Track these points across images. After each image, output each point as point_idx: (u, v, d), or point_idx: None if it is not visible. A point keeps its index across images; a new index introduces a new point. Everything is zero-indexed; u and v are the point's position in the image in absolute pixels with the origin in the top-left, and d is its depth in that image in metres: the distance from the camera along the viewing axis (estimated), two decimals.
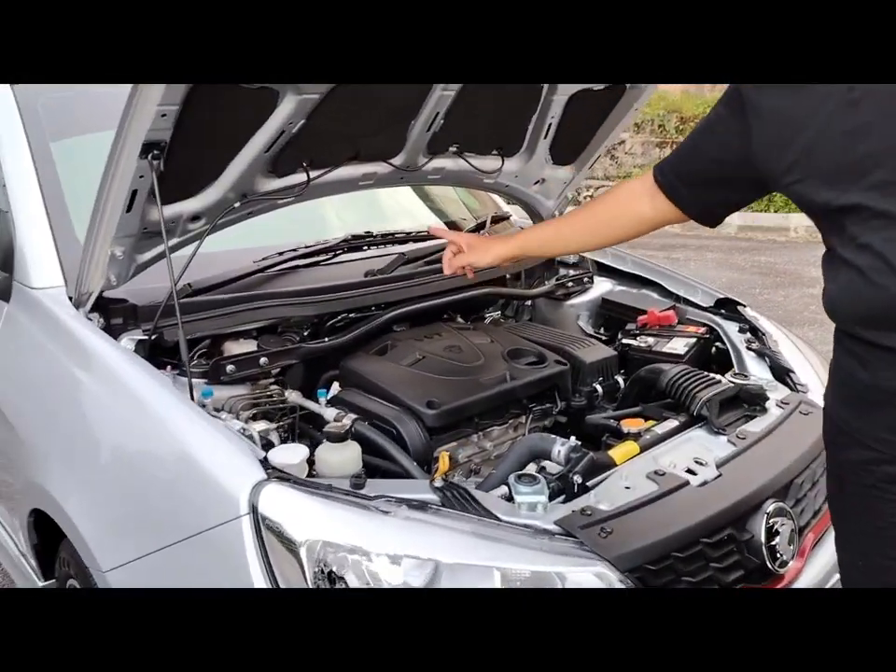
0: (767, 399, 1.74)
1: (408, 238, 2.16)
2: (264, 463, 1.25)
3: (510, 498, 1.32)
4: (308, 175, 1.72)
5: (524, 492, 1.30)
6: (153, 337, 1.60)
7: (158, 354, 1.65)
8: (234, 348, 1.77)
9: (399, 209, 2.61)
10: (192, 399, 1.42)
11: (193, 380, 1.59)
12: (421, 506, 1.21)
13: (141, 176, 1.43)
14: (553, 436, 1.53)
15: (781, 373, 1.90)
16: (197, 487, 1.26)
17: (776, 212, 8.46)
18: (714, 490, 1.43)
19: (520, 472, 1.36)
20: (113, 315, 1.65)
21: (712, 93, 9.31)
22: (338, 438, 1.37)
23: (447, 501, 1.24)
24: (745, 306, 2.24)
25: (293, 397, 1.65)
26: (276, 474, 1.21)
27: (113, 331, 1.63)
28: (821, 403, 1.25)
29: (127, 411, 1.43)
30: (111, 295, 1.66)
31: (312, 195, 1.82)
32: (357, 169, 1.85)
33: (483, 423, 1.71)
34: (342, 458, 1.36)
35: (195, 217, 1.66)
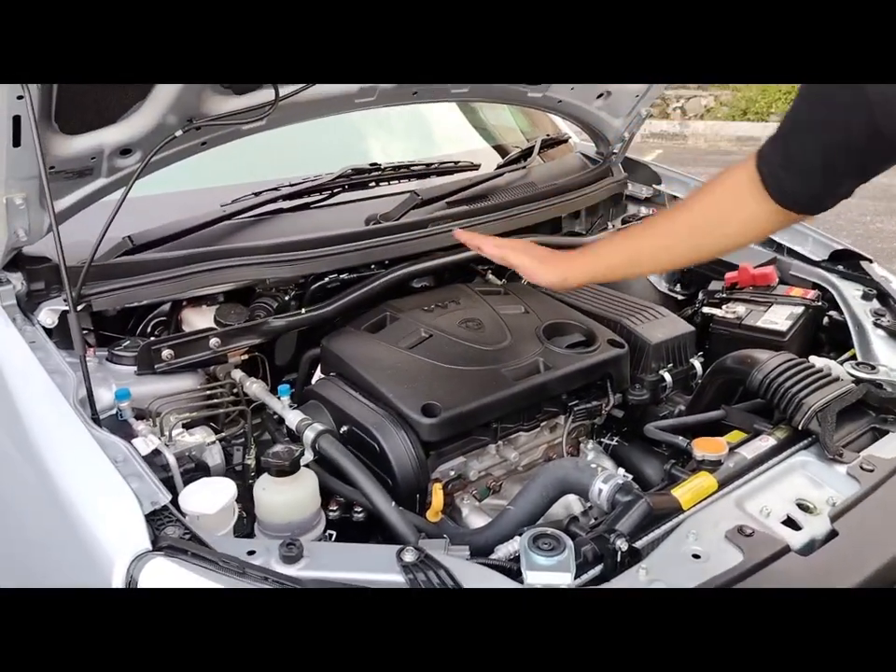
0: None
1: (428, 171, 1.70)
2: (161, 514, 0.87)
3: (517, 570, 0.90)
4: (277, 91, 1.28)
5: (539, 566, 0.88)
6: (80, 308, 1.23)
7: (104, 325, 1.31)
8: (195, 319, 1.39)
9: (431, 134, 2.13)
10: (93, 406, 1.05)
11: (121, 368, 1.23)
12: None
13: (19, 97, 1.03)
14: (595, 465, 1.09)
15: None
16: (71, 540, 0.90)
17: None
18: (826, 561, 0.97)
19: (539, 530, 0.93)
20: (32, 277, 1.29)
21: None
22: (280, 472, 0.97)
23: (417, 587, 0.83)
24: (871, 261, 1.69)
25: (254, 389, 1.27)
26: (171, 541, 0.84)
27: (32, 299, 1.27)
28: None
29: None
30: (31, 252, 1.30)
31: (287, 118, 1.38)
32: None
33: (506, 427, 1.28)
34: (285, 500, 0.97)
35: (125, 151, 1.25)
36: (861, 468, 1.12)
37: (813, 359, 1.34)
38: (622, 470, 1.10)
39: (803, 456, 1.16)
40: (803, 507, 1.06)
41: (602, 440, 1.44)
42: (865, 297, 1.58)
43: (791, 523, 1.03)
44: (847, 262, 1.70)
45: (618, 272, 1.24)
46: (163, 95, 1.20)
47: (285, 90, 1.29)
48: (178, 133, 1.25)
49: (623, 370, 1.38)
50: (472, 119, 2.20)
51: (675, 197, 1.99)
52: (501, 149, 2.06)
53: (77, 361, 1.10)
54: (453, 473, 1.24)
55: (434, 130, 2.09)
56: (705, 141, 7.92)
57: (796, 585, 0.93)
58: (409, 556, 0.86)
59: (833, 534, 1.01)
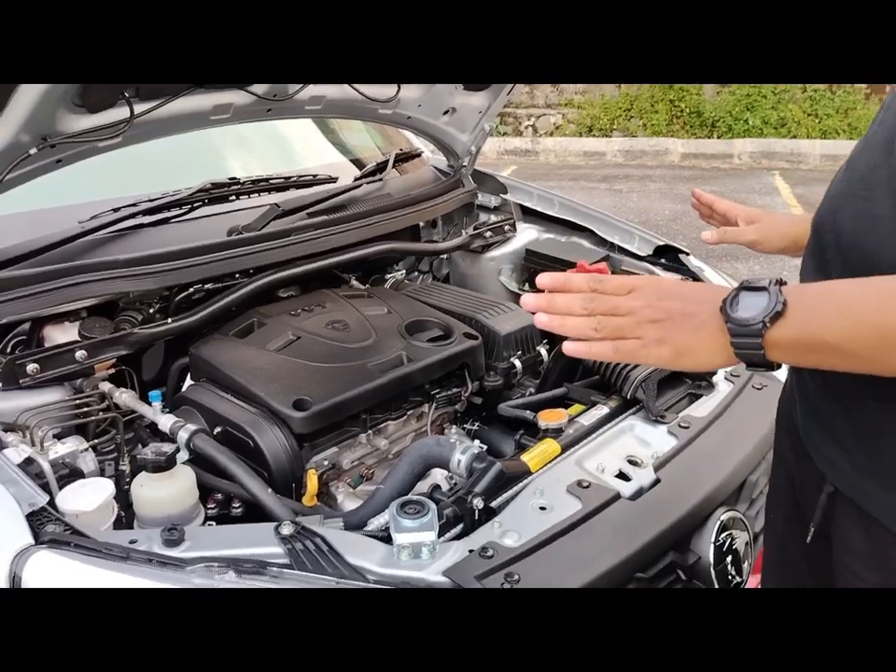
0: (714, 372, 1.46)
1: (287, 184, 1.77)
2: (40, 514, 0.90)
3: (388, 536, 1.00)
4: (132, 110, 1.32)
5: (406, 528, 0.99)
6: None
7: None
8: (58, 335, 1.39)
9: (288, 149, 2.20)
10: None
11: None
12: (257, 569, 0.89)
13: None
14: (455, 439, 1.22)
15: None
16: None
17: (719, 138, 8.20)
18: (651, 503, 1.14)
19: (404, 499, 1.04)
20: None
21: None
22: (157, 468, 1.02)
23: (296, 557, 0.91)
24: (688, 254, 1.94)
25: (124, 399, 1.29)
26: (53, 535, 0.87)
27: None
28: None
29: None
30: None
31: (144, 135, 1.42)
32: (206, 99, 1.45)
33: (375, 418, 1.38)
34: (162, 495, 1.02)
35: None
36: (679, 426, 1.31)
37: None
38: (477, 442, 1.22)
39: (631, 420, 1.33)
40: (632, 462, 1.23)
41: (465, 425, 1.57)
42: None
43: (622, 476, 1.19)
44: (668, 256, 1.94)
45: None
46: (16, 113, 1.21)
47: (140, 107, 1.34)
48: (32, 150, 1.26)
49: (479, 359, 1.52)
50: (329, 136, 2.30)
51: (521, 205, 2.17)
52: (357, 163, 2.16)
53: None
54: (326, 463, 1.32)
55: (292, 145, 2.16)
56: (555, 156, 8.40)
57: (626, 524, 1.09)
58: (286, 529, 0.94)
59: (657, 481, 1.18)
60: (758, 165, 7.57)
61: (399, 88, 1.73)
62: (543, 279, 0.77)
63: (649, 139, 8.35)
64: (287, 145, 2.15)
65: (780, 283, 0.68)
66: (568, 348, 0.75)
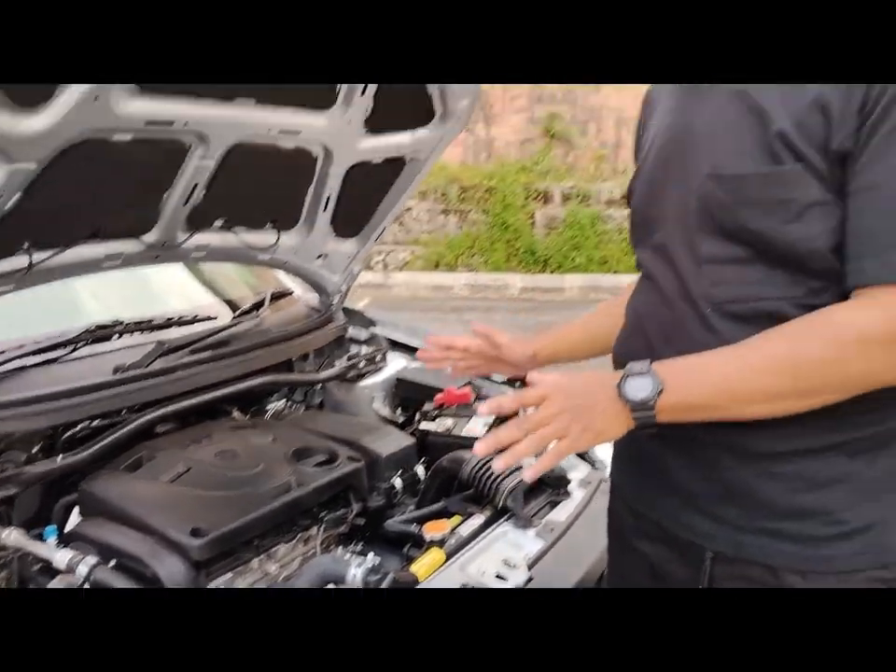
0: (569, 481, 1.67)
1: (169, 324, 1.87)
2: None
3: None
4: (31, 259, 1.40)
5: None
6: None
7: None
8: None
9: (167, 287, 2.30)
10: None
11: None
12: None
13: None
14: (350, 555, 1.32)
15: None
16: None
17: (552, 273, 9.05)
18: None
19: None
20: None
21: (486, 165, 9.87)
22: None
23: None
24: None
25: (13, 538, 1.28)
26: None
27: None
28: None
29: None
30: None
31: (39, 281, 1.49)
32: (99, 248, 1.55)
33: (265, 543, 1.45)
34: None
35: None
36: (546, 529, 1.49)
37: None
38: (371, 554, 1.33)
39: (504, 527, 1.50)
40: (508, 564, 1.38)
41: (349, 546, 1.65)
42: None
43: (500, 577, 1.34)
44: (523, 378, 2.19)
45: (578, 349, 1.39)
46: None
47: (37, 255, 1.42)
48: None
49: (363, 480, 1.64)
50: (205, 277, 2.41)
51: (389, 340, 2.38)
52: (232, 304, 2.29)
53: None
54: None
55: (169, 288, 2.26)
56: (406, 289, 8.86)
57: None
58: None
59: (530, 579, 1.34)
60: (586, 297, 8.41)
61: (280, 235, 1.91)
62: (483, 408, 0.97)
63: (490, 274, 9.06)
64: (164, 287, 2.24)
65: (650, 363, 0.92)
66: (528, 475, 0.95)
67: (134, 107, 1.29)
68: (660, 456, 1.05)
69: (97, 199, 1.47)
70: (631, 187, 1.18)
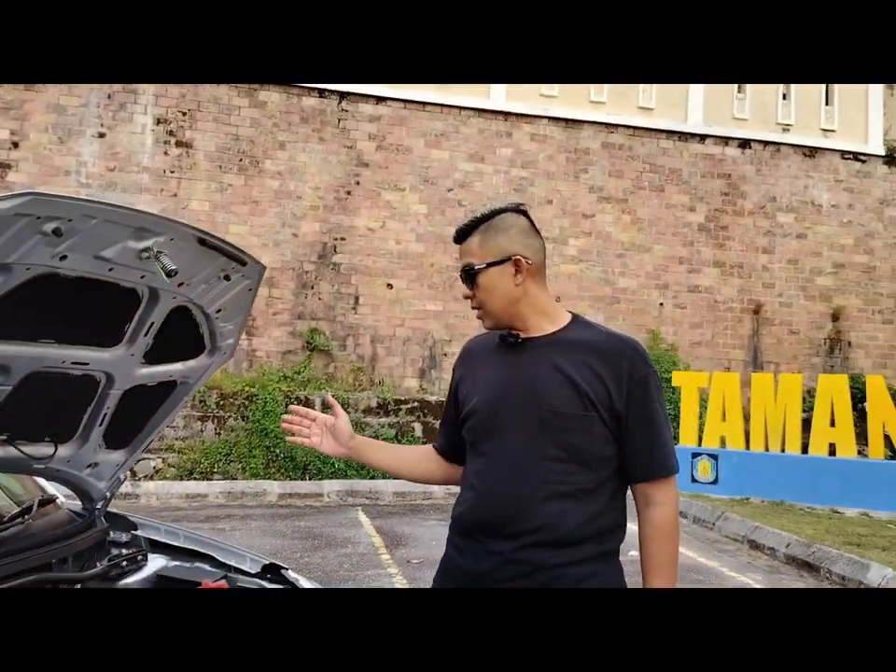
0: None
1: None
2: None
3: None
4: None
5: None
6: None
7: None
8: None
9: None
10: None
11: None
12: None
13: None
14: None
15: None
16: None
17: (311, 479, 9.35)
18: None
19: None
20: None
21: (247, 374, 10.27)
22: None
23: None
24: (287, 569, 2.56)
25: None
26: None
27: None
28: None
29: None
30: None
31: None
32: None
33: None
34: None
35: None
36: None
37: None
38: None
39: None
40: None
41: None
42: None
43: None
44: (273, 572, 2.53)
45: (384, 460, 2.00)
46: None
47: None
48: None
49: None
50: None
51: (150, 540, 2.61)
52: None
53: None
54: None
55: None
56: (157, 499, 8.58)
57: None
58: None
59: None
60: (344, 502, 8.77)
61: (57, 448, 2.18)
62: None
63: (248, 481, 9.12)
64: None
65: None
66: None
67: None
68: None
69: None
70: (471, 408, 1.73)
